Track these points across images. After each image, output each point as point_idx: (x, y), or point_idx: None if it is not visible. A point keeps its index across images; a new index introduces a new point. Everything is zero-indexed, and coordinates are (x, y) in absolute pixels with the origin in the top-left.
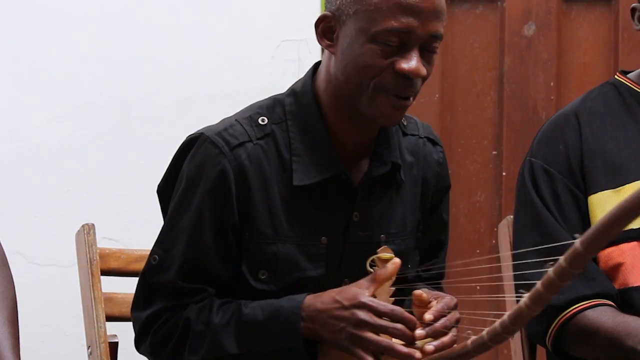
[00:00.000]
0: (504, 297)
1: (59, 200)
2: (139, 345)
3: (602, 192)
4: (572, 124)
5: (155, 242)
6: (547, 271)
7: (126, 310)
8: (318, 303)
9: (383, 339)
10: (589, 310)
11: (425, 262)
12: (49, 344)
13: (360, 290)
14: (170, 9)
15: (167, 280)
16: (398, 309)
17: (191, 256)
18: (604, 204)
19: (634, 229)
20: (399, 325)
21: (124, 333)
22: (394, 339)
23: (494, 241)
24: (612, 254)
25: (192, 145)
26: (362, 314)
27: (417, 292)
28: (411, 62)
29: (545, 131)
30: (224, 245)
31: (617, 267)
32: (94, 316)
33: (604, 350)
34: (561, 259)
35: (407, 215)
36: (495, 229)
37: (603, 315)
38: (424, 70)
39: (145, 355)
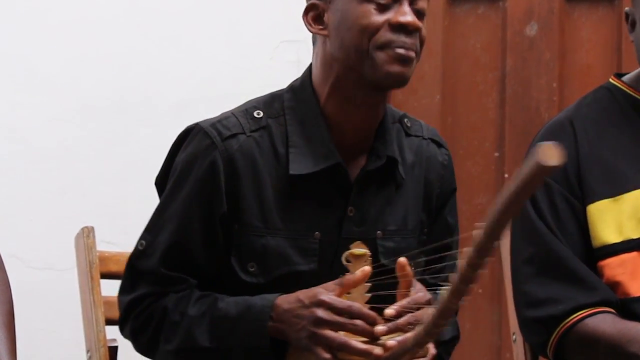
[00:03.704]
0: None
1: (56, 203)
2: (122, 328)
3: (600, 201)
4: (567, 131)
5: (145, 228)
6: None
7: None
8: (285, 303)
9: (338, 335)
10: (588, 319)
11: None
12: (46, 348)
13: (322, 289)
14: (168, 11)
15: (150, 266)
16: (356, 304)
17: (175, 243)
18: (602, 213)
19: (634, 239)
20: (357, 321)
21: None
22: (357, 336)
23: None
24: (612, 264)
25: (187, 135)
26: (320, 312)
27: (401, 259)
28: (406, 15)
29: (541, 139)
30: (210, 236)
31: (618, 277)
32: (94, 320)
33: (607, 357)
34: (468, 249)
35: (409, 214)
36: None
37: (603, 322)
38: (418, 22)
39: (128, 339)
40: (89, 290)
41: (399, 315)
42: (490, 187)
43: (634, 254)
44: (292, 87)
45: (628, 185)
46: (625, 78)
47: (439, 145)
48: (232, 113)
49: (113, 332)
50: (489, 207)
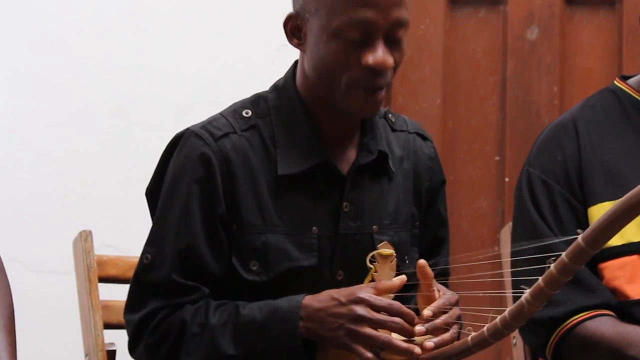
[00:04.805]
0: (504, 293)
1: (57, 206)
2: (132, 348)
3: (602, 203)
4: (570, 133)
5: (146, 242)
6: (549, 267)
7: None
8: (315, 302)
9: (381, 333)
10: (588, 321)
11: (428, 260)
12: (46, 352)
13: (359, 287)
14: (169, 14)
15: (161, 277)
16: (396, 303)
17: (183, 248)
18: None
19: (635, 243)
20: (397, 319)
21: (122, 341)
22: (394, 334)
23: (496, 247)
24: (612, 267)
25: (177, 143)
26: (360, 309)
27: (421, 261)
28: (377, 55)
29: (543, 140)
30: (213, 236)
31: (618, 280)
32: (92, 324)
33: None
34: (563, 254)
35: (400, 208)
36: (498, 235)
37: (603, 325)
38: (390, 61)
39: (141, 359)
40: (87, 294)
41: (435, 315)
42: (490, 191)
43: (635, 257)
44: (276, 87)
45: (630, 188)
46: (630, 81)
47: (424, 138)
48: (221, 114)
49: (111, 336)
50: (492, 212)
